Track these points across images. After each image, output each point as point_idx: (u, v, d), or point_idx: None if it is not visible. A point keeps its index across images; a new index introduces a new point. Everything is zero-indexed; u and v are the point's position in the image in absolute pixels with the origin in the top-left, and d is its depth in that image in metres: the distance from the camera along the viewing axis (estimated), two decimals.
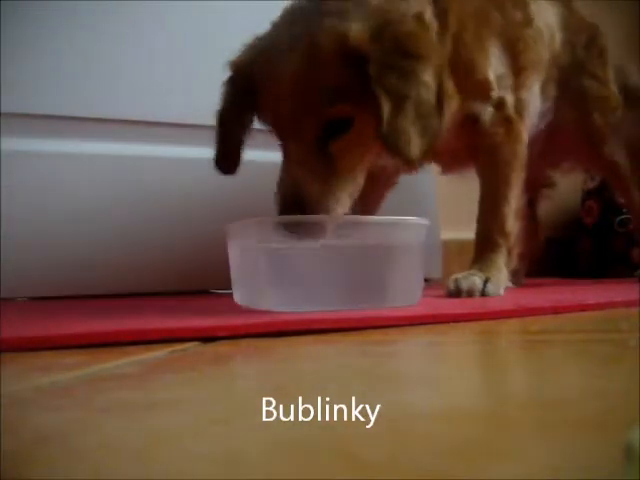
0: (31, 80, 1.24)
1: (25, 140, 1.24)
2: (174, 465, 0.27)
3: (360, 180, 0.88)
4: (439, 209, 1.60)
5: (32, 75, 1.24)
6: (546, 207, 1.60)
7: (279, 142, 0.87)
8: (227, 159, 0.94)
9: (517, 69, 1.09)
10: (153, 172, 1.33)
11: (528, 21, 1.12)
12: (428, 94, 0.82)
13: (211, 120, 1.32)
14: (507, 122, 1.07)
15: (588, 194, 1.90)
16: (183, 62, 1.33)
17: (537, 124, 1.19)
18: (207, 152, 1.37)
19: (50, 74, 1.25)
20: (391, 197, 1.28)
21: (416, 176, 1.31)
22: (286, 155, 0.85)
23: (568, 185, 1.84)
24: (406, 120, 0.80)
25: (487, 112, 1.04)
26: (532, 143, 1.13)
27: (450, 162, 1.18)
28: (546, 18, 1.21)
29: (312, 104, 0.81)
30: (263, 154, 1.40)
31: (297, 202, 0.81)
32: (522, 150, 1.09)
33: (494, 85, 1.04)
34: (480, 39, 1.02)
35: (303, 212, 0.80)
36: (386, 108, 0.78)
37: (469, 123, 1.04)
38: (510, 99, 1.07)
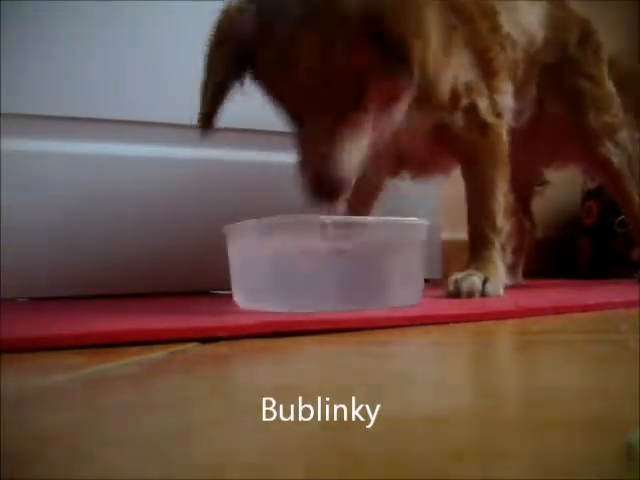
0: (31, 80, 1.24)
1: (25, 140, 1.24)
2: (174, 465, 0.27)
3: (367, 150, 0.91)
4: (439, 209, 1.60)
5: (32, 75, 1.24)
6: (546, 207, 1.60)
7: (291, 118, 0.89)
8: (211, 118, 0.93)
9: (490, 75, 1.10)
10: (153, 172, 1.32)
11: (496, 29, 1.13)
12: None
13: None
14: (481, 126, 1.08)
15: (588, 194, 1.90)
16: (183, 63, 1.33)
17: (511, 123, 1.19)
18: (207, 153, 1.37)
19: (50, 74, 1.25)
20: (392, 197, 1.28)
21: None
22: (306, 130, 0.87)
23: (568, 185, 1.84)
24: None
25: (457, 119, 1.07)
26: (514, 142, 1.14)
27: (420, 169, 1.21)
28: (523, 21, 1.21)
29: (337, 81, 0.83)
30: (263, 155, 1.40)
31: (328, 174, 0.85)
32: (502, 148, 1.10)
33: (462, 93, 1.06)
34: (447, 53, 1.03)
35: (335, 183, 0.85)
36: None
37: (440, 132, 1.07)
38: (483, 103, 1.08)
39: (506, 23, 1.15)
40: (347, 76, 0.84)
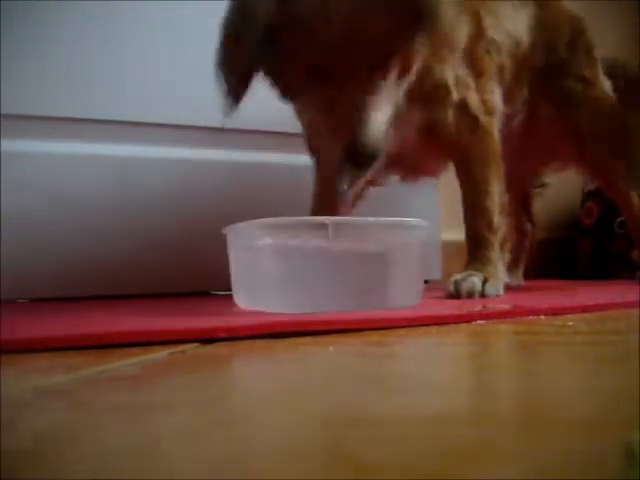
0: (31, 81, 1.24)
1: (25, 141, 1.24)
2: (174, 466, 0.27)
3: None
4: (439, 209, 1.60)
5: (32, 76, 1.24)
6: (546, 208, 1.60)
7: (313, 84, 0.89)
8: (240, 87, 0.92)
9: (476, 75, 1.10)
10: (153, 173, 1.33)
11: (480, 34, 1.12)
12: None
13: (211, 122, 1.32)
14: (472, 121, 1.08)
15: (588, 195, 1.90)
16: (183, 63, 1.33)
17: (500, 126, 1.18)
18: (207, 153, 1.37)
19: (50, 75, 1.25)
20: (392, 198, 1.28)
21: None
22: (336, 93, 0.87)
23: (568, 186, 1.84)
24: None
25: (448, 117, 1.06)
26: (509, 144, 1.13)
27: (409, 171, 1.20)
28: (508, 26, 1.20)
29: (372, 44, 0.86)
30: (264, 155, 1.40)
31: (364, 138, 0.85)
32: (493, 145, 1.10)
33: (452, 88, 1.05)
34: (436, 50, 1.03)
35: (370, 147, 0.86)
36: None
37: (432, 129, 1.06)
38: (473, 99, 1.08)
39: (490, 28, 1.15)
40: (379, 35, 0.86)
